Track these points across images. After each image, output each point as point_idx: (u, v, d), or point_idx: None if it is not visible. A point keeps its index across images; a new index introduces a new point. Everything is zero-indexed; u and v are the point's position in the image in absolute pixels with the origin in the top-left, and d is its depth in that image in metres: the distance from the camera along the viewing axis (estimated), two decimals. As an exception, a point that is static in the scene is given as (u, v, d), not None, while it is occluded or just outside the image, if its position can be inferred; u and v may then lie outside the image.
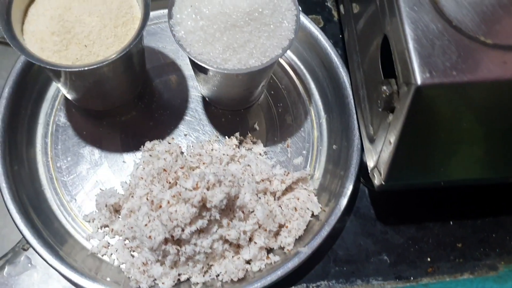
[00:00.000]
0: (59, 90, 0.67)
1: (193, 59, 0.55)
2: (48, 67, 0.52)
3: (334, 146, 0.66)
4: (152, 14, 0.72)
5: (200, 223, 0.54)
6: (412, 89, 0.47)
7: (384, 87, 0.51)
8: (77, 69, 0.52)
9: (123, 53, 0.53)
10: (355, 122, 0.65)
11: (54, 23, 0.54)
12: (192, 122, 0.68)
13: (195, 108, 0.69)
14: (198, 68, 0.57)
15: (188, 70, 0.71)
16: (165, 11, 0.67)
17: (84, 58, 0.55)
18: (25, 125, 0.65)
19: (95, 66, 0.52)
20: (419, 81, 0.46)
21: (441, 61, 0.47)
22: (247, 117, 0.69)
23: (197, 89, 0.70)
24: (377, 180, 0.58)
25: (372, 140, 0.58)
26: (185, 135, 0.67)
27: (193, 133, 0.68)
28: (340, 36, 0.74)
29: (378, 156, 0.57)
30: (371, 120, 0.59)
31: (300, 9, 0.57)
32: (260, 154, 0.66)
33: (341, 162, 0.65)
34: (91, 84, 0.58)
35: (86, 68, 0.52)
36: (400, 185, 0.58)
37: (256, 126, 0.68)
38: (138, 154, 0.66)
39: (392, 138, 0.52)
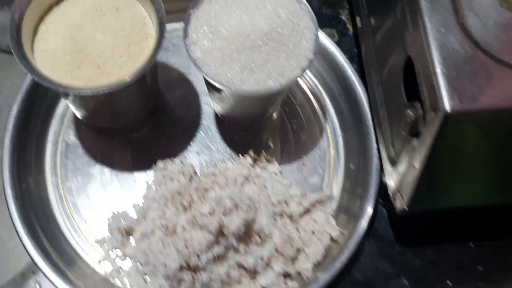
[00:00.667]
0: (68, 107, 0.65)
1: (210, 80, 0.53)
2: (60, 89, 0.49)
3: (351, 165, 0.64)
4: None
5: (217, 250, 0.52)
6: (440, 115, 0.45)
7: (409, 112, 0.50)
8: (90, 92, 0.50)
9: (138, 75, 0.51)
10: (373, 141, 0.63)
11: (65, 42, 0.52)
12: (205, 139, 0.66)
13: (207, 124, 0.67)
14: (213, 88, 0.55)
15: (200, 86, 0.69)
16: (177, 24, 0.66)
17: (96, 79, 0.53)
18: (34, 144, 0.63)
19: (110, 90, 0.50)
20: (447, 108, 0.44)
21: (470, 86, 0.45)
22: (261, 134, 0.67)
23: (209, 105, 0.68)
24: (399, 204, 0.56)
25: (393, 162, 0.57)
26: (198, 153, 0.66)
27: (206, 150, 0.66)
28: (356, 50, 0.72)
29: (400, 179, 0.55)
30: (392, 141, 0.57)
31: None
32: (275, 173, 0.64)
33: (359, 182, 0.63)
34: (102, 104, 0.56)
35: (100, 91, 0.50)
36: (423, 209, 0.56)
37: (270, 143, 0.66)
38: (150, 174, 0.64)
39: (417, 163, 0.50)
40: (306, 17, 0.56)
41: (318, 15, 0.70)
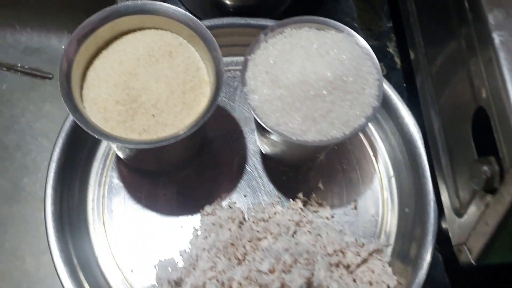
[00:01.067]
0: (110, 148, 0.62)
1: (270, 131, 0.50)
2: (116, 144, 0.47)
3: (406, 210, 0.62)
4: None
5: (278, 310, 0.49)
6: (524, 177, 0.42)
7: (485, 168, 0.47)
8: (147, 147, 0.47)
9: (195, 128, 0.48)
10: (430, 185, 0.60)
11: (118, 91, 0.50)
12: (251, 180, 0.63)
13: (254, 164, 0.65)
14: (268, 133, 0.52)
15: (244, 123, 0.66)
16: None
17: (151, 129, 0.50)
18: (76, 189, 0.61)
19: (167, 143, 0.47)
20: (534, 171, 0.41)
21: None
22: (309, 175, 0.64)
23: (254, 144, 0.65)
24: (464, 257, 0.53)
25: (459, 214, 0.54)
26: (245, 195, 0.63)
27: (253, 193, 0.63)
28: (405, 85, 0.69)
29: (467, 232, 0.52)
30: (456, 191, 0.54)
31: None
32: (327, 218, 0.61)
33: (416, 228, 0.60)
34: (152, 152, 0.53)
35: (157, 145, 0.47)
36: (491, 263, 0.53)
37: (320, 185, 0.63)
38: (197, 218, 0.61)
39: (492, 221, 0.47)
40: (367, 61, 0.53)
41: (364, 47, 0.68)
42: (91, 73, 0.52)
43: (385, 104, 0.65)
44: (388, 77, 0.70)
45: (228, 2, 0.66)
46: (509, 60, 0.46)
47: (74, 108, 0.48)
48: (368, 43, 0.68)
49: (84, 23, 0.50)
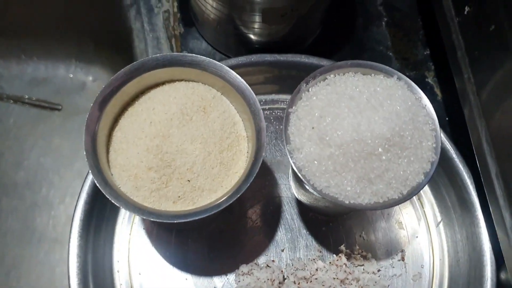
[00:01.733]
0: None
1: (319, 194, 0.45)
2: (151, 219, 0.41)
3: (459, 257, 0.56)
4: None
5: None
6: None
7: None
8: (184, 220, 0.42)
9: (236, 195, 0.43)
10: (485, 232, 0.55)
11: (151, 157, 0.44)
12: (289, 232, 0.58)
13: (290, 215, 0.60)
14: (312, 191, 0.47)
15: (277, 169, 0.61)
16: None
17: (187, 196, 0.45)
18: (100, 250, 0.55)
19: (206, 214, 0.42)
20: None
21: None
22: (351, 225, 0.59)
23: (289, 190, 0.60)
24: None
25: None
26: (282, 250, 0.58)
27: (291, 247, 0.58)
28: (447, 118, 0.64)
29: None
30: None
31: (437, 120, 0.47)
32: (373, 272, 0.56)
33: (471, 281, 0.55)
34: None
35: (195, 218, 0.42)
36: None
37: (363, 235, 0.58)
38: (231, 278, 0.56)
39: None
40: (422, 109, 0.48)
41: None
42: (117, 133, 0.47)
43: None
44: (428, 111, 0.64)
45: (253, 38, 0.61)
46: None
47: (104, 182, 0.43)
48: (405, 74, 0.63)
49: (109, 81, 0.45)
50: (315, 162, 0.45)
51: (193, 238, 0.58)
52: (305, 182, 0.45)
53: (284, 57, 0.62)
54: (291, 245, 0.59)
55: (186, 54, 0.47)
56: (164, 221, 0.42)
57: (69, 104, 0.82)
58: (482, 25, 0.53)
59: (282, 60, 0.61)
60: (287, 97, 0.63)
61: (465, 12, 0.56)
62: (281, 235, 0.59)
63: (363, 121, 0.44)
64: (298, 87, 0.48)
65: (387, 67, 0.49)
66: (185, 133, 0.46)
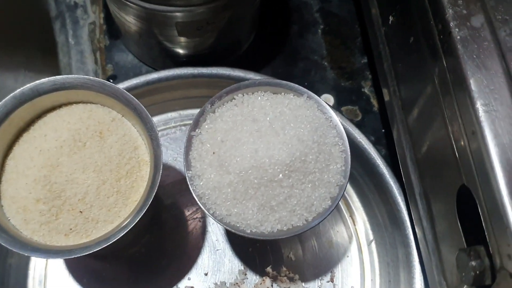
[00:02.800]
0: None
1: (220, 223, 0.42)
2: (32, 256, 0.39)
3: (389, 279, 0.54)
4: (158, 118, 0.60)
5: None
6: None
7: (473, 263, 0.39)
8: (70, 256, 0.39)
9: (127, 227, 0.40)
10: (414, 250, 0.52)
11: (39, 188, 0.42)
12: (213, 254, 0.56)
13: (215, 235, 0.57)
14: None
15: (204, 187, 0.58)
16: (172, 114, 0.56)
17: (80, 228, 0.42)
18: (13, 282, 0.53)
19: (93, 249, 0.39)
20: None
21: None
22: (279, 244, 0.57)
23: (216, 210, 0.57)
24: None
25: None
26: (206, 274, 0.55)
27: (215, 270, 0.56)
28: (383, 130, 0.61)
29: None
30: (442, 272, 0.47)
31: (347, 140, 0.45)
32: (300, 295, 0.54)
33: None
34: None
35: (84, 253, 0.39)
36: None
37: (291, 255, 0.56)
38: (152, 305, 0.53)
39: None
40: (331, 130, 0.45)
41: (336, 89, 0.60)
42: (10, 162, 0.44)
43: (360, 160, 0.57)
44: (364, 122, 0.62)
45: (179, 50, 0.58)
46: (493, 133, 0.38)
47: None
48: (341, 85, 0.61)
49: (-3, 107, 0.42)
50: (216, 189, 0.43)
51: (112, 263, 0.56)
52: (205, 210, 0.42)
53: (209, 71, 0.59)
54: (215, 268, 0.56)
55: (80, 76, 0.44)
56: (46, 258, 0.39)
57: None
58: (404, 36, 0.50)
59: (206, 73, 0.58)
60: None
61: (390, 22, 0.53)
62: (205, 256, 0.57)
63: (261, 146, 0.42)
64: (203, 108, 0.46)
65: (297, 86, 0.46)
66: (76, 161, 0.43)
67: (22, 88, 0.44)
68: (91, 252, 0.40)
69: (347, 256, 0.57)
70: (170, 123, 0.61)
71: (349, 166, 0.44)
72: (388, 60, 0.54)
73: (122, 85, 0.57)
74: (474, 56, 0.40)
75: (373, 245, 0.57)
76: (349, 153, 0.44)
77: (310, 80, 0.63)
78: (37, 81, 0.44)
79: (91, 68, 0.62)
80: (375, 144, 0.59)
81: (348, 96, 0.63)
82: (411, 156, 0.50)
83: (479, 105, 0.39)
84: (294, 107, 0.45)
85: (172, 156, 0.59)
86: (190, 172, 0.44)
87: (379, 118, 0.62)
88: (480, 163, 0.38)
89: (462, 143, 0.40)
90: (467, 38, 0.40)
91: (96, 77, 0.59)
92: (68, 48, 0.63)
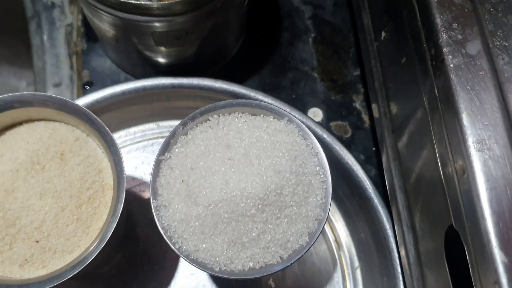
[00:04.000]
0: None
1: (186, 259, 0.39)
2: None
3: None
4: (135, 129, 0.57)
5: None
6: None
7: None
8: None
9: (85, 263, 0.37)
10: (401, 284, 0.49)
11: (-9, 215, 0.38)
12: (188, 278, 0.52)
13: (192, 257, 0.53)
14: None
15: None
16: (150, 125, 0.53)
17: (36, 258, 0.39)
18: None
19: (49, 286, 0.36)
20: None
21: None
22: (259, 269, 0.53)
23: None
24: None
25: None
26: (181, 300, 0.52)
27: (191, 295, 0.52)
28: (374, 148, 0.58)
29: None
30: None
31: (329, 170, 0.41)
32: (278, 325, 0.50)
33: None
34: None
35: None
36: None
37: (271, 282, 0.52)
38: (121, 330, 0.50)
39: None
40: (312, 158, 0.41)
41: (325, 103, 0.57)
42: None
43: (348, 182, 0.53)
44: (354, 139, 0.58)
45: (160, 59, 0.54)
46: (486, 176, 0.34)
47: None
48: (331, 98, 0.57)
49: None
50: (183, 222, 0.39)
51: (80, 284, 0.52)
52: (171, 245, 0.39)
53: (189, 81, 0.55)
54: (190, 292, 0.53)
55: (38, 93, 0.41)
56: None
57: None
58: (396, 54, 0.46)
59: (186, 84, 0.55)
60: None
61: (382, 38, 0.49)
62: (179, 281, 0.53)
63: (233, 177, 0.38)
64: (174, 130, 0.42)
65: (278, 108, 0.43)
66: (34, 186, 0.40)
67: (-24, 104, 0.40)
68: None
69: (331, 284, 0.53)
70: (148, 135, 0.57)
71: (330, 198, 0.40)
72: (380, 78, 0.50)
73: (97, 94, 0.53)
74: (468, 88, 0.36)
75: (358, 272, 0.54)
76: (330, 183, 0.41)
77: (298, 92, 0.59)
78: (-7, 98, 0.40)
79: (66, 73, 0.59)
80: (365, 163, 0.56)
81: (338, 110, 0.60)
82: (400, 184, 0.46)
83: (471, 143, 0.35)
84: (272, 132, 0.41)
85: (148, 170, 0.56)
86: (156, 201, 0.40)
87: (371, 136, 0.59)
88: (470, 207, 0.35)
89: (452, 181, 0.37)
90: (461, 66, 0.36)
91: (71, 83, 0.56)
92: (43, 51, 0.60)
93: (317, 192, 0.41)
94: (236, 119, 0.43)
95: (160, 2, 0.45)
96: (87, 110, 0.40)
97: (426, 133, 0.42)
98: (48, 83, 0.59)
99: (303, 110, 0.58)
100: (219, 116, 0.43)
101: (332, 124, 0.58)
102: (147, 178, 0.55)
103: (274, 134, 0.41)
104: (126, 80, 0.59)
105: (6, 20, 0.75)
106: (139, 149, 0.57)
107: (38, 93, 0.41)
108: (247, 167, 0.39)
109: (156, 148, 0.57)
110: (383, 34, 0.49)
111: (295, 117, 0.43)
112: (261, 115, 0.43)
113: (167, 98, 0.56)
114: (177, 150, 0.42)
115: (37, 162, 0.40)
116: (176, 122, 0.55)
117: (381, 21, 0.50)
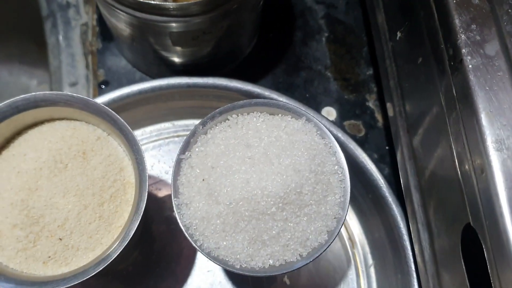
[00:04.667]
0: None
1: (207, 257, 0.39)
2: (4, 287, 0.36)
3: (387, 309, 0.51)
4: (151, 128, 0.57)
5: None
6: None
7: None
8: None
9: (115, 254, 0.38)
10: (415, 281, 0.50)
11: (16, 212, 0.39)
12: (205, 275, 0.53)
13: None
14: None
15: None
16: (166, 124, 0.53)
17: (59, 255, 0.40)
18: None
19: (74, 283, 0.37)
20: None
21: None
22: (273, 266, 0.53)
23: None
24: None
25: None
26: (198, 297, 0.52)
27: (207, 291, 0.53)
28: (387, 147, 0.58)
29: None
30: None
31: (347, 169, 0.42)
32: (293, 322, 0.51)
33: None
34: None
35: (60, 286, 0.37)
36: None
37: (286, 279, 0.53)
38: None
39: None
40: (330, 157, 0.42)
41: (339, 102, 0.57)
42: (-14, 181, 0.41)
43: (362, 179, 0.54)
44: (367, 138, 0.59)
45: (175, 59, 0.55)
46: (504, 175, 0.35)
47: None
48: (344, 97, 0.58)
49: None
50: (204, 220, 0.40)
51: (96, 280, 0.53)
52: (192, 242, 0.40)
53: (204, 81, 0.55)
54: (206, 289, 0.53)
55: (60, 93, 0.41)
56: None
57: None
58: (412, 55, 0.47)
59: (201, 83, 0.55)
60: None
61: (397, 38, 0.50)
62: (195, 278, 0.54)
63: (254, 176, 0.39)
64: (194, 129, 0.43)
65: (296, 107, 0.43)
66: (57, 184, 0.40)
67: (-1, 105, 0.41)
68: (67, 286, 0.37)
69: (344, 281, 0.54)
70: (164, 134, 0.58)
71: (349, 197, 0.41)
72: (395, 77, 0.51)
73: (114, 94, 0.54)
74: (487, 88, 0.36)
75: (372, 269, 0.54)
76: (348, 183, 0.41)
77: (312, 91, 0.60)
78: (16, 98, 0.41)
79: (82, 73, 0.59)
80: (378, 162, 0.56)
81: (352, 109, 0.60)
82: (415, 183, 0.47)
83: (489, 143, 0.35)
84: (291, 131, 0.42)
85: (164, 169, 0.56)
86: (177, 199, 0.41)
87: (384, 135, 0.59)
88: (489, 205, 0.35)
89: (470, 180, 0.37)
90: (480, 67, 0.37)
91: (87, 82, 0.56)
92: (58, 50, 0.60)
93: (336, 191, 0.41)
94: (255, 119, 0.43)
95: (177, 3, 0.45)
96: (110, 109, 0.41)
97: (442, 132, 0.43)
98: (64, 83, 0.59)
99: (317, 109, 0.59)
100: (237, 116, 0.44)
101: (345, 123, 0.59)
102: (163, 176, 0.56)
103: (292, 133, 0.42)
104: (141, 79, 0.59)
105: (17, 19, 0.76)
106: (155, 148, 0.57)
107: (62, 92, 0.41)
108: (267, 166, 0.39)
109: (172, 147, 0.57)
110: (399, 34, 0.49)
111: (315, 120, 0.43)
112: (279, 115, 0.44)
113: (182, 97, 0.57)
114: (197, 149, 0.42)
115: (59, 161, 0.41)
116: (191, 121, 0.57)
117: (396, 21, 0.51)
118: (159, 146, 0.57)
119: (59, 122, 0.44)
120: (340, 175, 0.42)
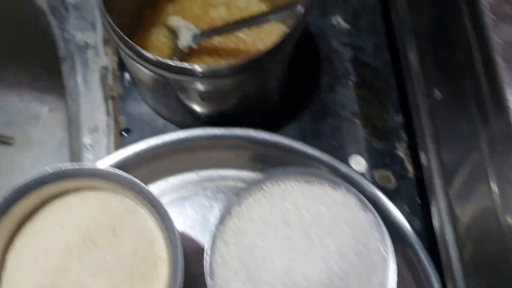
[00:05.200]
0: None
1: None
2: None
3: None
4: (173, 180, 0.55)
5: None
6: None
7: None
8: None
9: None
10: None
11: (43, 296, 0.37)
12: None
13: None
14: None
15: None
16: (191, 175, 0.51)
17: None
18: None
19: None
20: None
21: None
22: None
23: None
24: None
25: None
26: None
27: None
28: (418, 200, 0.56)
29: None
30: None
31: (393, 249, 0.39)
32: None
33: None
34: None
35: None
36: None
37: None
38: None
39: None
40: (373, 232, 0.40)
41: (367, 150, 0.55)
42: (11, 258, 0.40)
43: (394, 234, 0.51)
44: (398, 189, 0.57)
45: (199, 109, 0.53)
46: None
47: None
48: (373, 145, 0.56)
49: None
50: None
51: None
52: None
53: (230, 132, 0.54)
54: None
55: (89, 165, 0.39)
56: None
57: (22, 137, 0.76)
58: (452, 112, 0.45)
59: (228, 135, 0.53)
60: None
61: (434, 95, 0.47)
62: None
63: (296, 262, 0.37)
64: (228, 203, 0.41)
65: (333, 177, 0.41)
66: (87, 265, 0.38)
67: (25, 180, 0.38)
68: None
69: None
70: (187, 185, 0.56)
71: (396, 278, 0.39)
72: (430, 129, 0.49)
73: (137, 146, 0.52)
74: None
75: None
76: (394, 260, 0.39)
77: (339, 139, 0.58)
78: (43, 171, 0.39)
79: (103, 119, 0.57)
80: (409, 215, 0.54)
81: (381, 158, 0.58)
82: (458, 257, 0.45)
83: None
84: (332, 205, 0.40)
85: (188, 224, 0.54)
86: (213, 281, 0.38)
87: (415, 186, 0.57)
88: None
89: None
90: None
91: (108, 130, 0.54)
92: (77, 94, 0.58)
93: (379, 271, 0.40)
94: (291, 188, 0.41)
95: (207, 66, 0.43)
96: (140, 182, 0.39)
97: (483, 181, 0.41)
98: (84, 129, 0.57)
99: (345, 158, 0.56)
100: (273, 185, 0.41)
101: (375, 173, 0.57)
102: (188, 231, 0.54)
103: (333, 208, 0.40)
104: (164, 127, 0.57)
105: (28, 46, 0.73)
106: (178, 200, 0.55)
107: (89, 167, 0.39)
108: (309, 248, 0.37)
109: (196, 201, 0.55)
110: (436, 92, 0.47)
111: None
112: (316, 182, 0.42)
113: (207, 148, 0.55)
114: (232, 223, 0.40)
115: (88, 239, 0.39)
116: (215, 172, 0.54)
117: (433, 78, 0.49)
118: (183, 198, 0.56)
119: (86, 193, 0.42)
120: (383, 252, 0.40)
